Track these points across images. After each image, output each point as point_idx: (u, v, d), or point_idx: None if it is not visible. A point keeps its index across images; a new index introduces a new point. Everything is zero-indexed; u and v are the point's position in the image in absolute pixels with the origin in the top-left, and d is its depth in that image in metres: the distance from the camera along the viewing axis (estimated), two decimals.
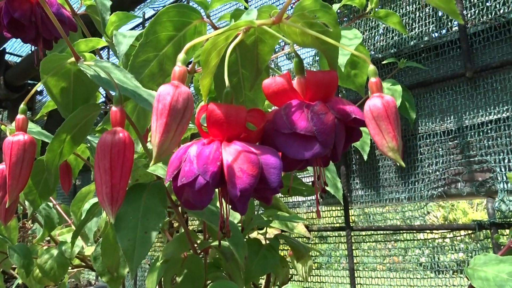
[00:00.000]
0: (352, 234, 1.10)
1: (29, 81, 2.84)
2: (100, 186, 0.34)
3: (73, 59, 0.45)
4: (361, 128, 0.37)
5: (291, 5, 0.53)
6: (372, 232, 1.11)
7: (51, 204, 1.17)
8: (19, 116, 0.47)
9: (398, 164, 1.02)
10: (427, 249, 1.06)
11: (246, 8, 0.48)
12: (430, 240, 1.02)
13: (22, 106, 0.47)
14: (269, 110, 0.41)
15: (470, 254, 0.93)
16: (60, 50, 0.62)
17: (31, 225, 1.54)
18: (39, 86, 0.51)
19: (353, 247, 1.10)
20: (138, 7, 1.99)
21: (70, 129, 0.48)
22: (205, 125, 0.32)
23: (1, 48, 2.75)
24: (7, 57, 2.87)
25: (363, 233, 1.15)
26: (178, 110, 0.28)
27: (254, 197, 0.33)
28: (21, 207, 1.15)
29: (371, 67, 0.32)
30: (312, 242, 1.28)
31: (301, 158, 0.31)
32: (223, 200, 0.33)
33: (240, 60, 0.48)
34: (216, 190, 0.35)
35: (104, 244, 0.63)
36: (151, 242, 0.50)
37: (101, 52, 0.80)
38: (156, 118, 0.28)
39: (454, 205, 3.26)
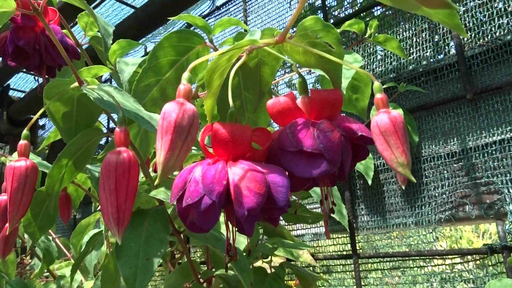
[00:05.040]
0: (359, 261, 1.07)
1: (31, 116, 2.87)
2: (106, 208, 0.33)
3: (76, 84, 0.45)
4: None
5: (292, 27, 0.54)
6: (380, 260, 1.08)
7: (50, 238, 1.15)
8: (22, 142, 0.47)
9: (403, 188, 1.00)
10: (436, 277, 1.02)
11: (246, 31, 0.49)
12: (440, 268, 0.99)
13: (25, 131, 0.47)
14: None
15: (483, 280, 0.89)
16: (63, 77, 0.62)
17: (30, 260, 1.51)
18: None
19: (361, 275, 1.06)
20: (140, 40, 2.04)
21: (71, 154, 0.48)
22: (210, 146, 0.32)
23: (6, 84, 2.79)
24: (11, 92, 2.91)
25: (371, 262, 1.11)
26: (183, 127, 0.27)
27: (261, 217, 0.32)
28: (20, 241, 1.13)
29: (376, 83, 0.32)
30: (319, 271, 1.24)
31: (309, 176, 0.30)
32: (229, 222, 0.32)
33: (242, 83, 0.48)
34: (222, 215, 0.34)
35: (104, 275, 0.61)
36: (153, 269, 0.48)
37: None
38: (162, 135, 0.27)
39: (459, 235, 3.20)
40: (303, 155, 0.31)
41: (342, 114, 0.36)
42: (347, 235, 1.12)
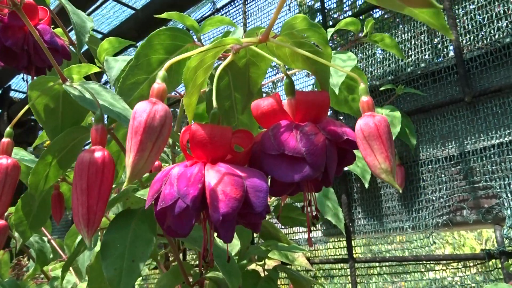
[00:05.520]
0: (356, 266, 1.05)
1: (32, 117, 2.87)
2: (77, 208, 0.32)
3: (60, 81, 0.44)
4: (361, 156, 0.35)
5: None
6: (379, 265, 1.07)
7: (45, 238, 1.14)
8: (4, 140, 0.46)
9: (400, 192, 0.99)
10: (436, 283, 1.01)
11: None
12: (439, 273, 0.97)
13: (8, 129, 0.46)
14: None
15: (480, 286, 0.88)
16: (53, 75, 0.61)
17: (27, 262, 1.50)
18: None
19: (358, 280, 1.05)
20: (139, 42, 2.03)
21: (56, 152, 0.47)
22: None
23: (7, 85, 2.80)
24: (12, 93, 2.92)
25: (368, 266, 1.10)
26: (154, 127, 0.26)
27: (240, 223, 0.31)
28: (14, 241, 1.12)
29: (362, 85, 0.31)
30: (316, 276, 1.23)
31: (290, 181, 0.29)
32: (207, 225, 0.31)
33: (232, 84, 0.47)
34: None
35: (92, 275, 0.60)
36: (139, 271, 0.47)
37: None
38: (131, 136, 0.26)
39: (462, 242, 3.18)
40: (285, 158, 0.30)
41: (328, 117, 0.35)
42: (344, 239, 1.11)
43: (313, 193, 0.34)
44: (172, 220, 0.28)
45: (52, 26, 0.67)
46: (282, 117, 0.34)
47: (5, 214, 0.86)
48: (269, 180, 0.32)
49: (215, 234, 0.31)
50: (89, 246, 0.33)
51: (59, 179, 0.88)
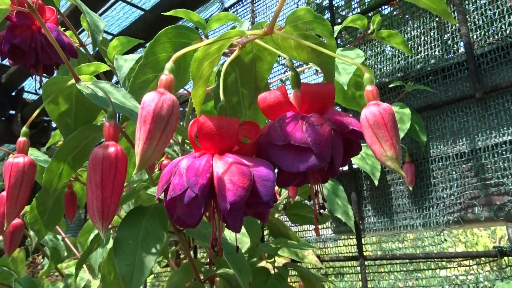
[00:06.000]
0: (366, 263, 1.05)
1: (45, 118, 2.92)
2: (91, 201, 0.33)
3: (73, 80, 0.45)
4: (370, 152, 0.35)
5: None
6: (390, 262, 1.06)
7: (59, 237, 1.16)
8: (20, 139, 0.47)
9: (411, 189, 0.98)
10: (448, 280, 1.00)
11: None
12: (451, 271, 0.96)
13: (24, 128, 0.48)
14: None
15: (494, 284, 0.87)
16: (61, 75, 0.63)
17: (41, 260, 1.53)
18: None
19: (368, 278, 1.05)
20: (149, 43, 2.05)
21: (69, 151, 0.48)
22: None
23: (20, 87, 2.85)
24: (25, 95, 2.97)
25: (379, 264, 1.09)
26: (162, 117, 0.27)
27: (248, 213, 0.31)
28: (30, 239, 1.14)
29: (367, 75, 0.31)
30: (327, 273, 1.23)
31: (296, 170, 0.30)
32: (215, 215, 0.31)
33: (239, 80, 0.48)
34: None
35: (104, 270, 0.61)
36: (150, 267, 0.48)
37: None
38: (140, 125, 0.27)
39: (475, 241, 3.13)
40: (291, 149, 0.30)
41: (335, 108, 0.35)
42: (354, 237, 1.11)
43: (320, 184, 0.34)
44: (182, 210, 0.29)
45: (63, 28, 0.69)
46: (288, 109, 0.34)
47: (21, 213, 0.88)
48: (276, 171, 0.33)
49: (224, 225, 0.32)
50: (103, 238, 0.34)
51: (72, 178, 0.90)
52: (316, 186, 0.35)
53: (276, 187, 1.12)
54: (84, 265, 1.09)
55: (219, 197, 0.27)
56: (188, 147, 0.74)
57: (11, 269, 1.08)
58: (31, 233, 0.94)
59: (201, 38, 0.48)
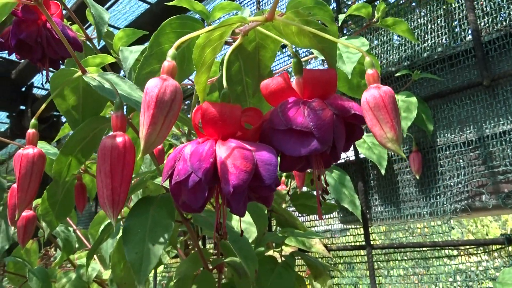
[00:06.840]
0: (373, 252, 1.05)
1: (54, 113, 2.96)
2: (101, 190, 0.34)
3: (80, 72, 0.46)
4: (377, 142, 0.35)
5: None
6: (396, 251, 1.07)
7: (71, 229, 1.18)
8: (30, 131, 0.48)
9: (418, 178, 0.98)
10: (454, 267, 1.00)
11: None
12: (459, 259, 0.96)
13: (33, 121, 0.49)
14: None
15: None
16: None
17: (54, 252, 1.56)
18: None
19: (376, 267, 1.05)
20: None
21: (78, 142, 0.49)
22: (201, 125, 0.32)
23: (30, 82, 2.88)
24: (34, 90, 3.01)
25: (386, 252, 1.10)
26: (165, 102, 0.27)
27: (251, 197, 0.32)
28: (42, 230, 1.17)
29: (367, 59, 0.31)
30: (335, 262, 1.24)
31: (298, 155, 0.30)
32: (219, 199, 0.32)
33: (243, 68, 0.48)
34: None
35: (114, 259, 0.63)
36: (158, 254, 0.49)
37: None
38: (144, 110, 0.28)
39: (485, 231, 3.12)
40: (293, 133, 0.31)
41: (337, 94, 0.35)
42: (361, 226, 1.11)
43: (323, 168, 0.35)
44: (186, 195, 0.30)
45: (69, 22, 0.70)
46: (291, 95, 0.35)
47: (33, 205, 0.90)
48: (279, 156, 0.33)
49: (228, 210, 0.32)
50: (114, 226, 0.35)
51: (81, 170, 0.92)
52: (318, 171, 0.35)
53: (283, 178, 1.13)
54: (95, 256, 1.11)
55: (222, 181, 0.28)
56: (194, 138, 0.75)
57: (25, 260, 1.11)
58: (43, 224, 0.96)
59: (204, 27, 0.48)
